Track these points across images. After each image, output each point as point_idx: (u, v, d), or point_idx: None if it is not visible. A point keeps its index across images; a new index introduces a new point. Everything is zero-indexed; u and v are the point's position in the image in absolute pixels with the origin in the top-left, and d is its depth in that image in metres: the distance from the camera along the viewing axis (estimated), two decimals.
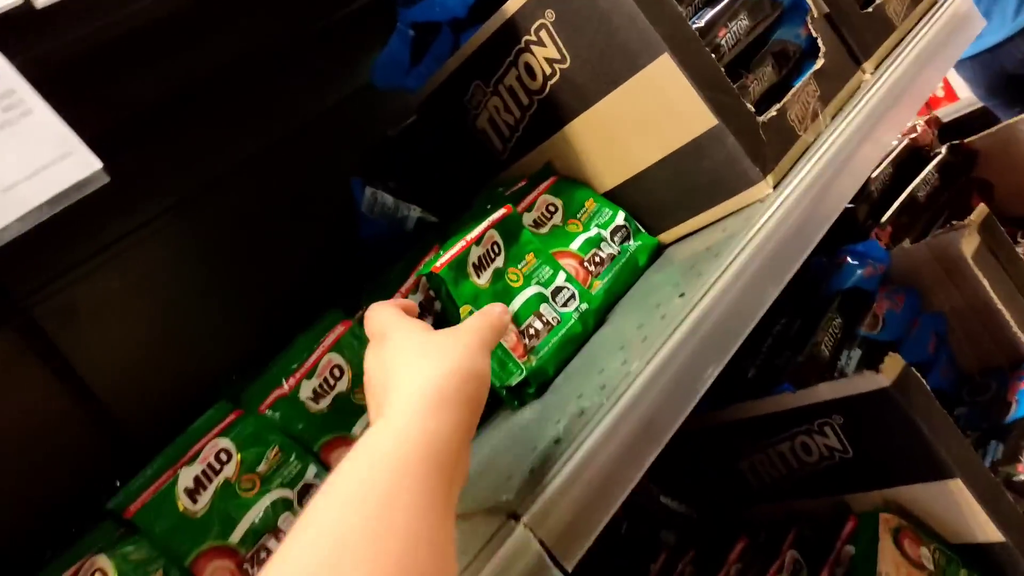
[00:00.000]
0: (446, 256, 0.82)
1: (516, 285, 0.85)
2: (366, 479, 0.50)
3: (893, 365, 0.91)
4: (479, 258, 0.86)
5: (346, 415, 0.83)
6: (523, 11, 0.91)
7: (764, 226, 0.82)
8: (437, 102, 1.07)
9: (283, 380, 0.83)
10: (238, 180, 1.16)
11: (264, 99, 1.19)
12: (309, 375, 0.84)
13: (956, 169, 1.27)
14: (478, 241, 0.85)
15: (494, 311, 0.67)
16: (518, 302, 0.84)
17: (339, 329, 0.86)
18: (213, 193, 1.15)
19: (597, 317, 0.87)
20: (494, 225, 0.87)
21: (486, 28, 0.95)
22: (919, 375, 0.92)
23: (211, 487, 0.76)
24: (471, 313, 0.81)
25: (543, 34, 0.91)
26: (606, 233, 0.96)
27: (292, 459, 0.80)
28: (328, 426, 0.82)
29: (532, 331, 0.83)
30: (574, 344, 0.85)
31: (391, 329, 0.64)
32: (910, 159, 1.28)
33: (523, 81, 0.96)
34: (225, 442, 0.78)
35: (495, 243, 0.86)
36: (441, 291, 0.83)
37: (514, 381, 0.81)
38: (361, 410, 0.84)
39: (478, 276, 0.85)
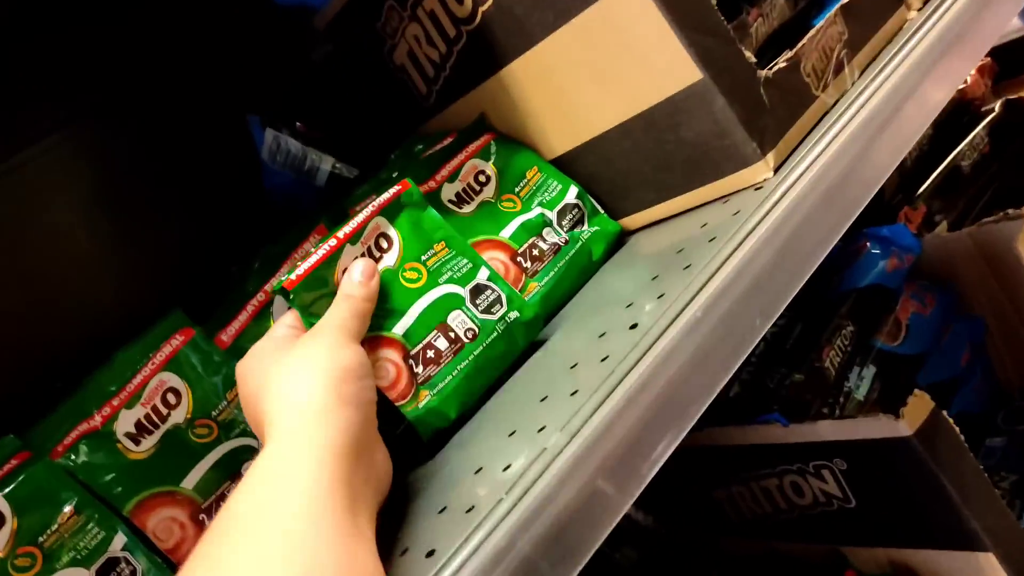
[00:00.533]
0: (305, 265, 0.58)
1: (416, 286, 0.61)
2: (255, 508, 0.45)
3: (919, 408, 0.69)
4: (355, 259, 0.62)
5: (177, 460, 0.62)
6: None
7: (759, 225, 0.59)
8: (345, 26, 0.83)
9: (93, 409, 0.61)
10: (112, 112, 0.93)
11: (145, 16, 0.94)
12: (131, 402, 0.62)
13: (1012, 131, 1.02)
14: (355, 237, 0.61)
15: (352, 292, 0.58)
16: (416, 311, 0.61)
17: (176, 340, 0.64)
18: (81, 127, 0.91)
19: (529, 334, 0.65)
20: (381, 210, 0.62)
21: None
22: (950, 421, 0.70)
23: None
24: None
25: None
26: (552, 215, 0.73)
27: (91, 525, 0.58)
28: (149, 476, 0.61)
29: (430, 353, 0.60)
30: (492, 369, 0.62)
31: (255, 347, 0.58)
32: (954, 116, 1.02)
33: (447, 5, 0.72)
34: None
35: (383, 236, 0.62)
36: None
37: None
38: (199, 453, 0.62)
39: None
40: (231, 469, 0.63)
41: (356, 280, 0.58)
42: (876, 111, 0.67)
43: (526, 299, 0.66)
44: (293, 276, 0.57)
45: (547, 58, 0.68)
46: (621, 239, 0.75)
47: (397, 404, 0.58)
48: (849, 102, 0.68)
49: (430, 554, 0.47)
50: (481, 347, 0.61)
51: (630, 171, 0.71)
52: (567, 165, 0.74)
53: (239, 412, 0.64)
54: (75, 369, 0.76)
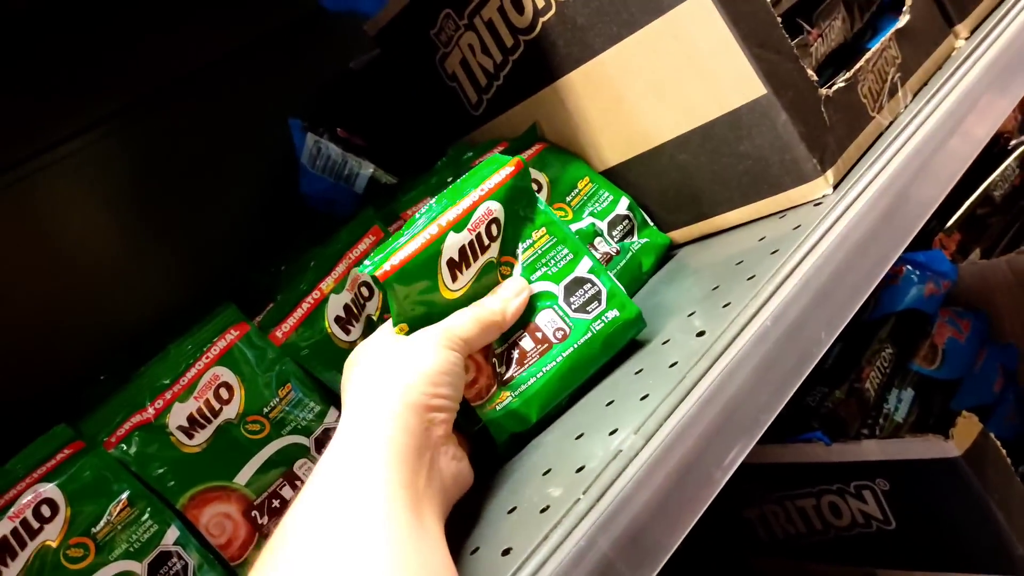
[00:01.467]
0: (404, 252, 0.54)
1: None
2: (319, 498, 0.46)
3: (967, 429, 0.69)
4: (462, 250, 0.56)
5: (230, 455, 0.61)
6: None
7: (821, 242, 0.59)
8: (397, 33, 0.83)
9: (147, 401, 0.61)
10: (154, 110, 0.93)
11: (190, 12, 0.94)
12: (184, 396, 0.61)
13: None
14: (462, 223, 0.56)
15: (486, 305, 0.57)
16: None
17: (231, 335, 0.64)
18: (125, 123, 0.91)
19: (627, 334, 0.60)
20: (494, 193, 0.58)
21: None
22: (998, 444, 0.70)
23: (24, 554, 0.55)
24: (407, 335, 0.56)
25: None
26: (603, 225, 0.73)
27: (144, 518, 0.58)
28: (202, 471, 0.60)
29: (515, 352, 0.58)
30: (583, 372, 0.59)
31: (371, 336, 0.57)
32: (986, 147, 1.03)
33: (507, 15, 0.72)
34: (50, 489, 0.56)
35: (494, 222, 0.58)
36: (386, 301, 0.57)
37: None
38: (251, 449, 0.62)
39: (452, 280, 0.56)
40: (283, 466, 0.62)
41: (502, 295, 0.57)
42: (928, 137, 0.67)
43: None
44: (387, 266, 0.54)
45: (607, 69, 0.69)
46: (670, 251, 0.75)
47: (474, 405, 0.57)
48: (904, 124, 0.68)
49: (506, 552, 0.46)
50: (572, 348, 0.58)
51: (684, 184, 0.71)
52: (619, 176, 0.75)
53: (291, 409, 0.64)
54: (115, 361, 0.76)
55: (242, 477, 0.61)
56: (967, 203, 0.98)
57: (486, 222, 0.57)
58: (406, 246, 0.55)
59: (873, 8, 0.74)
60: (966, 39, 0.78)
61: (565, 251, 0.60)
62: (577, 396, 0.59)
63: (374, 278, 0.54)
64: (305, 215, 0.95)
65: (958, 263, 0.92)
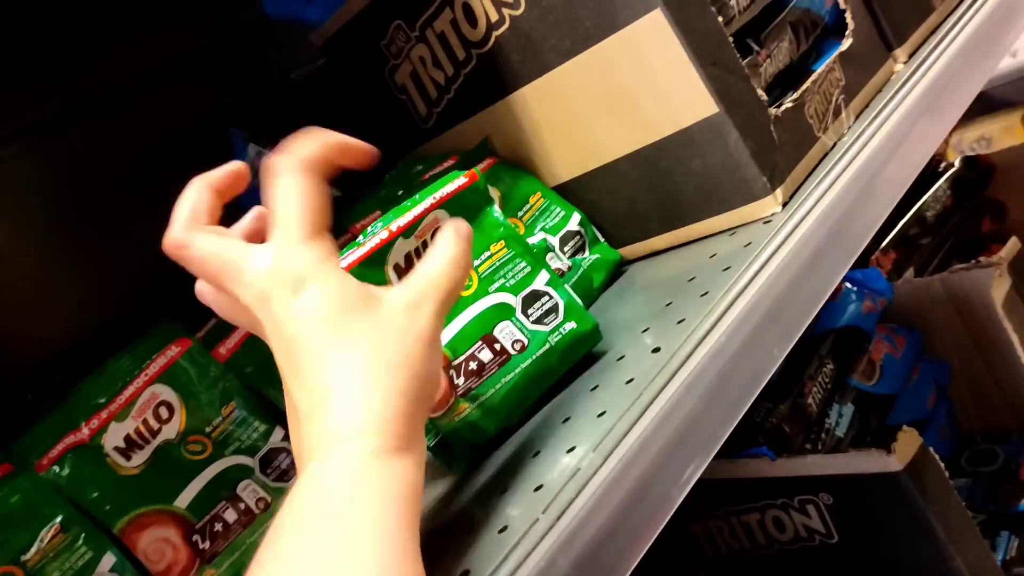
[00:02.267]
0: (352, 256, 0.55)
1: (467, 293, 0.59)
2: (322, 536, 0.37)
3: (907, 444, 0.70)
4: (408, 256, 0.57)
5: (170, 477, 0.59)
6: None
7: (772, 258, 0.60)
8: (345, 43, 0.82)
9: (81, 421, 0.58)
10: (88, 119, 0.89)
11: (128, 21, 0.91)
12: (121, 415, 0.59)
13: (971, 185, 1.07)
14: (411, 229, 0.56)
15: (455, 256, 0.48)
16: (460, 322, 0.58)
17: (172, 351, 0.61)
18: (57, 132, 0.88)
19: (585, 346, 0.61)
20: (444, 202, 0.58)
21: None
22: (937, 458, 0.72)
23: None
24: None
25: None
26: (555, 240, 0.73)
27: (79, 544, 0.55)
28: (141, 494, 0.58)
29: (474, 364, 0.57)
30: (541, 384, 0.59)
31: (316, 281, 0.43)
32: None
33: (460, 28, 0.72)
34: None
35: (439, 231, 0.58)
36: None
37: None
38: (193, 470, 0.60)
39: (399, 281, 0.55)
40: (226, 488, 0.60)
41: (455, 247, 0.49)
42: (873, 156, 0.69)
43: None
44: (343, 263, 0.53)
45: (561, 84, 0.69)
46: (621, 267, 0.75)
47: (431, 416, 0.56)
48: (848, 145, 0.70)
49: (464, 574, 0.45)
50: (530, 359, 0.58)
51: (635, 200, 0.71)
52: (571, 192, 0.75)
53: (235, 428, 0.62)
54: (46, 380, 0.73)
55: (183, 500, 0.58)
56: (901, 223, 1.01)
57: (432, 230, 0.57)
58: (355, 250, 0.54)
59: (817, 31, 0.76)
60: (904, 63, 0.80)
61: (523, 264, 0.60)
62: (532, 412, 0.59)
63: None
64: None
65: (893, 281, 0.95)
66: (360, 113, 0.87)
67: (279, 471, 0.62)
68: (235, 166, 0.51)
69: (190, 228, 0.48)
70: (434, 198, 0.58)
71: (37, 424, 0.58)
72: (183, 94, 0.95)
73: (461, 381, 0.57)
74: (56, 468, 0.56)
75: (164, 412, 0.60)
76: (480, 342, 0.58)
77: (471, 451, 0.57)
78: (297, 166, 0.46)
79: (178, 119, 0.93)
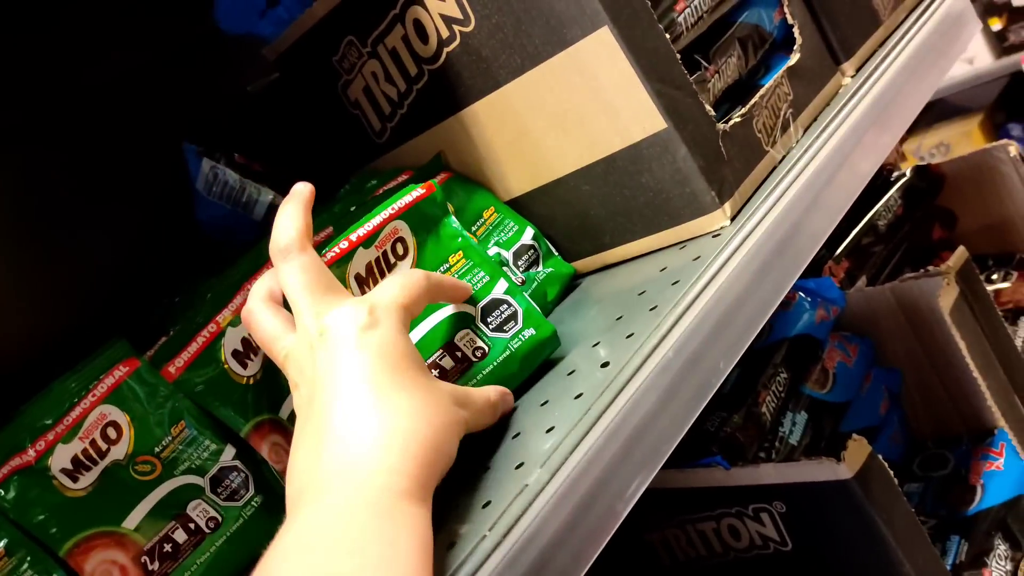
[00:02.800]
0: None
1: None
2: None
3: (857, 452, 0.72)
4: (368, 266, 0.59)
5: (118, 498, 0.58)
6: None
7: (719, 272, 0.61)
8: (298, 59, 0.82)
9: (27, 443, 0.57)
10: (37, 131, 0.88)
11: (79, 32, 0.90)
12: (68, 436, 0.58)
13: (922, 195, 1.09)
14: (370, 239, 0.58)
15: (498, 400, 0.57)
16: (422, 330, 0.59)
17: (119, 371, 0.61)
18: (4, 146, 0.87)
19: (545, 352, 0.62)
20: (403, 213, 0.59)
21: None
22: (886, 465, 0.73)
23: None
24: None
25: None
26: (508, 254, 0.73)
27: (23, 568, 0.54)
28: (88, 516, 0.57)
29: (435, 372, 0.58)
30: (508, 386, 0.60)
31: (382, 322, 0.51)
32: (871, 180, 1.08)
33: (411, 44, 0.72)
34: None
35: (400, 240, 0.59)
36: None
37: None
38: (142, 491, 0.59)
39: (362, 295, 0.56)
40: (175, 509, 0.60)
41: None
42: (821, 168, 0.70)
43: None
44: None
45: (511, 100, 0.69)
46: (575, 281, 0.76)
47: None
48: (796, 158, 0.71)
49: None
50: (491, 366, 0.59)
51: (587, 214, 0.72)
52: (523, 207, 0.75)
53: (184, 448, 0.61)
54: None
55: (131, 521, 0.58)
56: (853, 233, 1.03)
57: (391, 240, 0.58)
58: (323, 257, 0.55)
59: (766, 46, 0.77)
60: (852, 77, 0.82)
61: (481, 273, 0.61)
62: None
63: None
64: (200, 244, 0.92)
65: (846, 290, 0.96)
66: (314, 127, 0.87)
67: (230, 490, 0.62)
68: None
69: (258, 299, 0.57)
70: (393, 208, 0.59)
71: None
72: (135, 108, 0.94)
73: None
74: (1, 491, 0.55)
75: (112, 433, 0.59)
76: (441, 350, 0.59)
77: None
78: (290, 250, 0.54)
79: (130, 133, 0.93)
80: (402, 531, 0.42)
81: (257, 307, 0.55)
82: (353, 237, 0.57)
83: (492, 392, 0.56)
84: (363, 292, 0.57)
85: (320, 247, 0.62)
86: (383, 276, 0.58)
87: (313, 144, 0.89)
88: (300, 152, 0.93)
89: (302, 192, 0.56)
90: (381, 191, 0.75)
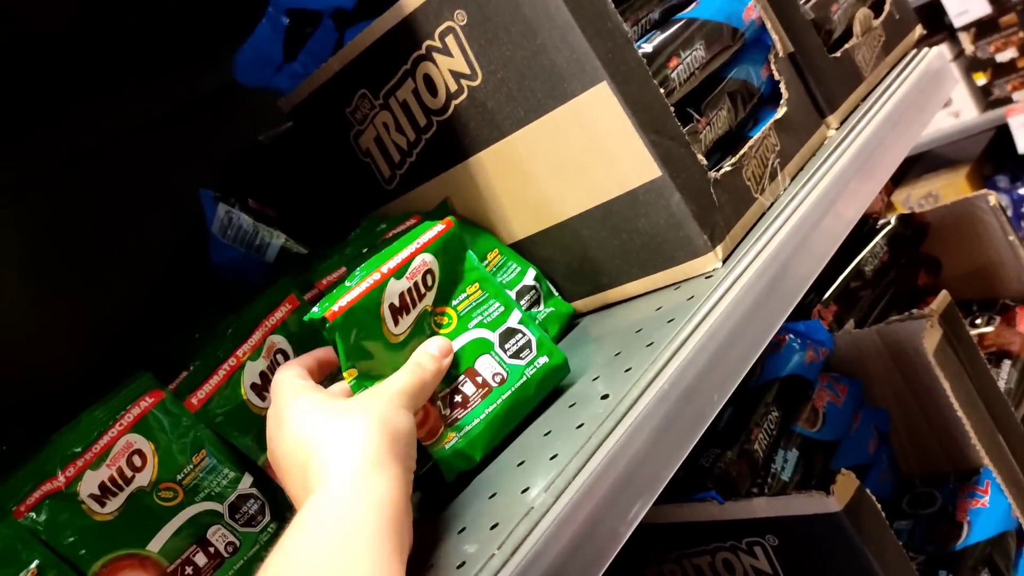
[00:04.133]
0: (350, 295, 0.59)
1: (448, 330, 0.64)
2: (316, 554, 0.46)
3: (846, 486, 0.75)
4: (401, 296, 0.61)
5: (142, 522, 0.61)
6: (427, 8, 0.71)
7: (712, 311, 0.65)
8: (313, 110, 0.86)
9: (57, 469, 0.60)
10: (64, 177, 0.93)
11: (100, 85, 0.95)
12: (96, 464, 0.61)
13: (906, 242, 1.14)
14: (402, 271, 0.61)
15: (424, 363, 0.60)
16: None
17: (145, 402, 0.64)
18: (33, 189, 0.91)
19: (556, 379, 0.66)
20: (428, 247, 0.63)
21: (378, 26, 0.74)
22: (874, 499, 0.76)
23: None
24: (356, 381, 0.59)
25: (450, 40, 0.72)
26: (512, 294, 0.77)
27: None
28: (114, 539, 0.60)
29: (458, 397, 0.62)
30: (518, 414, 0.64)
31: (296, 398, 0.58)
32: (856, 226, 1.13)
33: (421, 96, 0.76)
34: None
35: (429, 272, 0.63)
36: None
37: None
38: (165, 516, 0.62)
39: (395, 324, 0.61)
40: (196, 533, 0.63)
41: (431, 353, 0.61)
42: (805, 217, 0.74)
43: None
44: (335, 307, 0.58)
45: (515, 149, 0.74)
46: (574, 319, 0.80)
47: (424, 444, 0.59)
48: (784, 205, 0.75)
49: None
50: (511, 391, 0.63)
51: (586, 257, 0.76)
52: (526, 249, 0.79)
53: (204, 475, 0.64)
54: (13, 432, 0.75)
55: (155, 544, 0.61)
56: (841, 277, 1.07)
57: (422, 272, 0.62)
58: (351, 291, 0.58)
59: (754, 100, 0.82)
60: (836, 129, 0.86)
61: (497, 304, 0.65)
62: (496, 452, 0.62)
63: (322, 319, 0.57)
64: (214, 285, 0.96)
65: (834, 332, 1.00)
66: (325, 174, 0.92)
67: (247, 516, 0.65)
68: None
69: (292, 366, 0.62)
70: (419, 243, 0.63)
71: (14, 473, 0.60)
72: (155, 155, 0.99)
73: (448, 412, 0.61)
74: (33, 515, 0.59)
75: (137, 460, 0.62)
76: (463, 376, 0.63)
77: (459, 476, 0.62)
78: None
79: (150, 179, 0.97)
80: (369, 506, 0.49)
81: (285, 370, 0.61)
82: (384, 269, 0.61)
83: (409, 387, 0.58)
84: (396, 323, 0.61)
85: (336, 283, 0.66)
86: (414, 307, 0.62)
87: (324, 190, 0.93)
88: (311, 198, 0.97)
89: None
90: (391, 234, 0.79)
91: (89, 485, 0.61)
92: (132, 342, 0.89)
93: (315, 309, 0.59)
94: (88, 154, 0.95)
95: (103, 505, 0.60)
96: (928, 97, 0.94)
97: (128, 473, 0.62)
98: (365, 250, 0.76)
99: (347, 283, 0.62)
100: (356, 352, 0.59)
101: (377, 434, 0.52)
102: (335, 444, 0.52)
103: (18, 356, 0.87)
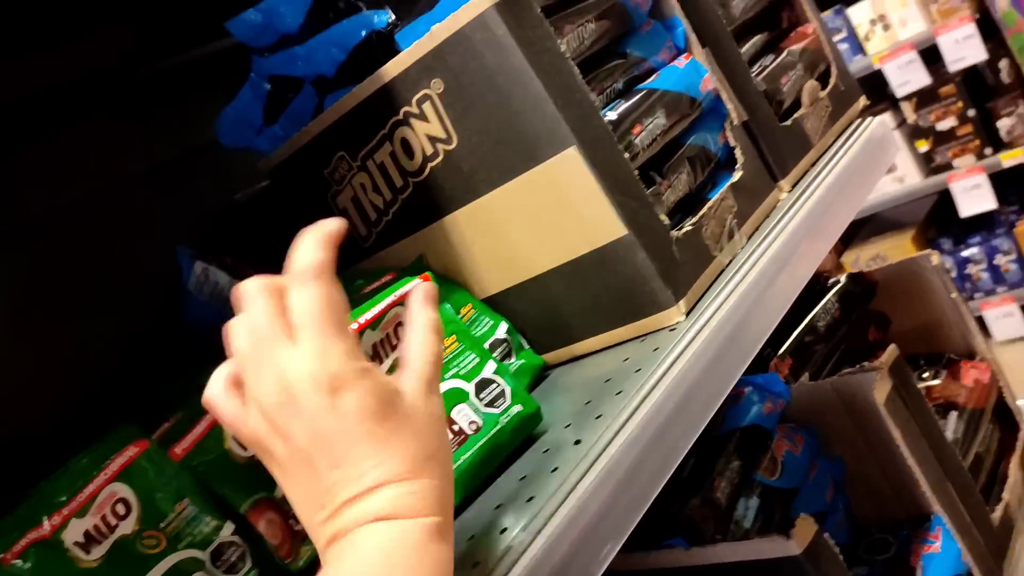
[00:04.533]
0: None
1: None
2: None
3: (805, 529, 0.78)
4: (375, 346, 0.65)
5: (126, 570, 0.62)
6: (405, 77, 0.76)
7: (677, 361, 0.69)
8: (292, 170, 0.90)
9: (43, 517, 0.61)
10: (41, 235, 0.94)
11: (79, 142, 0.98)
12: (81, 512, 0.62)
13: (856, 299, 1.20)
14: (375, 323, 0.65)
15: (429, 334, 0.55)
16: None
17: (130, 451, 0.66)
18: (9, 245, 0.92)
19: (529, 427, 0.70)
20: (401, 300, 0.66)
21: (357, 93, 0.79)
22: (831, 542, 0.80)
23: None
24: None
25: (427, 107, 0.76)
26: (486, 346, 0.80)
27: None
28: None
29: None
30: (494, 460, 0.67)
31: (355, 380, 0.49)
32: (809, 283, 1.19)
33: (398, 159, 0.80)
34: None
35: (401, 324, 0.66)
36: None
37: None
38: (148, 563, 0.63)
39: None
40: None
41: (427, 325, 0.56)
42: (761, 274, 0.79)
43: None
44: None
45: (489, 209, 0.78)
46: (544, 372, 0.83)
47: None
48: (741, 263, 0.80)
49: None
50: (486, 438, 0.66)
51: (556, 311, 0.80)
52: (498, 304, 0.83)
53: (187, 524, 0.66)
54: None
55: None
56: (796, 333, 1.12)
57: (395, 324, 0.65)
58: None
59: (712, 165, 0.87)
60: (788, 192, 0.92)
61: (472, 355, 0.69)
62: (470, 499, 0.65)
63: None
64: (186, 342, 0.97)
65: (791, 384, 1.05)
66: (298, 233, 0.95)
67: (229, 564, 0.66)
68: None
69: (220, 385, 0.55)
70: (396, 295, 0.67)
71: (2, 521, 0.61)
72: (133, 212, 1.01)
73: None
74: (19, 562, 0.59)
75: (122, 508, 0.64)
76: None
77: None
78: (309, 274, 0.52)
79: (128, 235, 0.99)
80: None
81: (219, 393, 0.54)
82: (362, 320, 0.64)
83: (420, 330, 0.55)
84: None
85: None
86: (387, 357, 0.65)
87: None
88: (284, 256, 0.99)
89: (332, 228, 0.56)
90: (367, 290, 0.82)
91: (74, 533, 0.62)
92: (110, 397, 0.91)
93: None
94: (67, 209, 0.97)
95: (88, 552, 0.62)
96: (872, 163, 1.00)
97: (112, 521, 0.63)
98: None
99: None
100: None
101: (444, 482, 0.50)
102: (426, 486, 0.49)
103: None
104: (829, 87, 1.03)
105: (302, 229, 0.56)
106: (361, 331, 0.63)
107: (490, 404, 0.67)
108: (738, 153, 0.87)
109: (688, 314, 0.74)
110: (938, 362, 1.19)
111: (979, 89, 2.95)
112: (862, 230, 3.36)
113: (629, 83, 0.84)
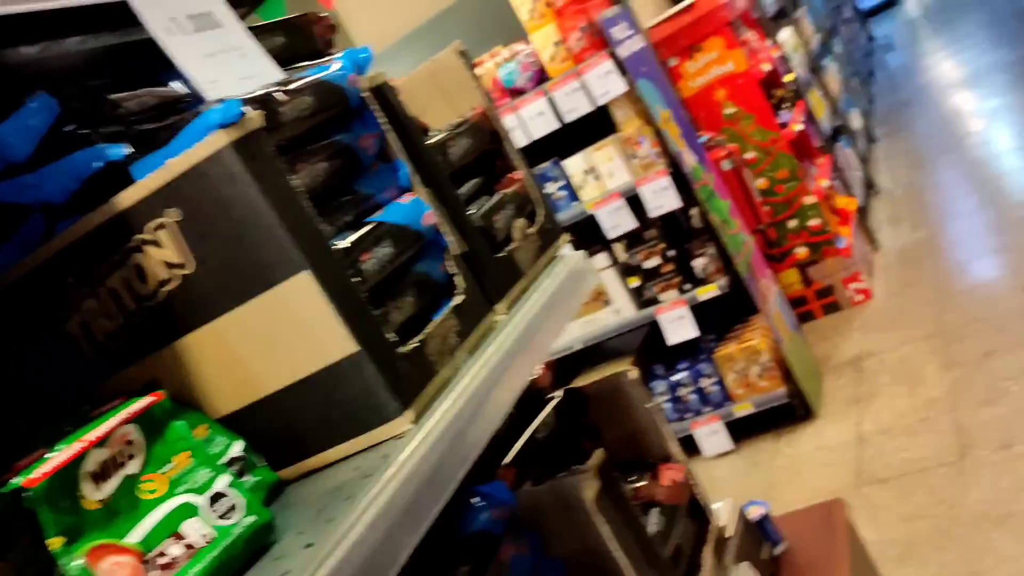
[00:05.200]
0: (48, 466, 0.61)
1: (153, 497, 0.68)
2: None
3: None
4: (103, 464, 0.66)
5: None
6: (140, 207, 0.79)
7: (404, 465, 0.75)
8: (18, 296, 0.88)
9: None
10: None
11: None
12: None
13: (572, 412, 1.33)
14: (104, 441, 0.65)
15: None
16: (152, 520, 0.66)
17: None
18: None
19: (262, 537, 0.71)
20: (134, 418, 0.68)
21: (88, 221, 0.81)
22: None
23: None
24: (64, 547, 0.60)
25: (163, 234, 0.79)
26: (221, 463, 0.82)
27: None
28: None
29: (165, 560, 0.64)
30: (227, 570, 0.68)
31: None
32: (529, 399, 1.31)
33: (131, 284, 0.82)
34: None
35: (130, 442, 0.67)
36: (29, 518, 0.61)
37: None
38: None
39: (96, 489, 0.64)
40: None
41: None
42: (481, 386, 0.88)
43: None
44: (34, 475, 0.59)
45: (224, 331, 0.81)
46: (280, 487, 0.86)
47: None
48: (463, 376, 0.89)
49: None
50: (219, 549, 0.67)
51: (291, 427, 0.83)
52: (233, 423, 0.85)
53: None
54: None
55: None
56: (518, 444, 1.22)
57: (123, 441, 0.67)
58: (44, 465, 0.61)
59: (435, 289, 0.96)
60: (505, 314, 1.03)
61: (206, 470, 0.70)
62: None
63: (21, 488, 0.59)
64: None
65: (516, 491, 1.13)
66: (30, 355, 0.92)
67: None
68: None
69: None
70: (127, 412, 0.69)
71: None
72: None
73: (155, 574, 0.64)
74: None
75: None
76: (171, 538, 0.66)
77: None
78: None
79: None
80: None
81: None
82: (92, 437, 0.65)
83: None
84: (98, 487, 0.64)
85: (35, 463, 0.68)
86: (116, 472, 0.66)
87: (28, 371, 0.93)
88: (14, 377, 0.95)
89: None
90: (95, 412, 0.81)
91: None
92: None
93: (13, 479, 0.61)
94: None
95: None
96: (574, 288, 1.15)
97: None
98: (68, 428, 0.78)
99: (47, 456, 0.65)
100: (62, 520, 0.61)
101: None
102: None
103: None
104: (536, 225, 1.18)
105: None
106: (87, 449, 0.64)
107: (223, 516, 0.69)
108: (458, 280, 0.97)
109: (416, 422, 0.81)
110: (643, 467, 1.34)
111: (677, 232, 3.37)
112: (590, 358, 3.65)
113: (359, 216, 0.92)
